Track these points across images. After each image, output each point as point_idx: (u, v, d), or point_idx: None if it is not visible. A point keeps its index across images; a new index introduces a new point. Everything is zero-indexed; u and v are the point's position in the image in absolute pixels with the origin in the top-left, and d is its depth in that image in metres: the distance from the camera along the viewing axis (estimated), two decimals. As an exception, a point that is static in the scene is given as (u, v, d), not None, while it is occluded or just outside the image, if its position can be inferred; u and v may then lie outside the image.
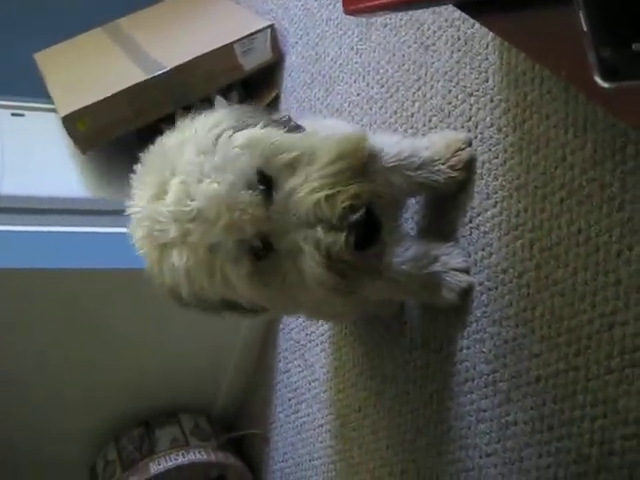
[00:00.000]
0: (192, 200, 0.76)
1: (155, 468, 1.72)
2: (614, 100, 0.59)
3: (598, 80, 0.49)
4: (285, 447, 1.74)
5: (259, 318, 1.10)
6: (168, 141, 0.84)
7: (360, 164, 0.79)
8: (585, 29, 0.50)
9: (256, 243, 0.77)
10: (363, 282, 0.81)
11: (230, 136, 0.80)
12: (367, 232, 0.75)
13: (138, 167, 0.85)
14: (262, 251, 0.78)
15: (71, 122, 1.65)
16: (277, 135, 0.81)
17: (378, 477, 1.34)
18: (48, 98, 1.79)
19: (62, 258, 1.48)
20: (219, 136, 0.80)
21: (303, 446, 1.64)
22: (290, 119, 0.90)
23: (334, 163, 0.77)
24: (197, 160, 0.78)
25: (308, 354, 1.61)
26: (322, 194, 0.74)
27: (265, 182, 0.77)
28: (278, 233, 0.77)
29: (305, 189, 0.76)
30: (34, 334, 1.56)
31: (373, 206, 0.75)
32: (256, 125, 0.82)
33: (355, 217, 0.74)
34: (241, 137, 0.80)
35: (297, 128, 0.89)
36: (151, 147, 0.85)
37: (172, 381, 1.85)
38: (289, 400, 1.72)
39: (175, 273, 0.79)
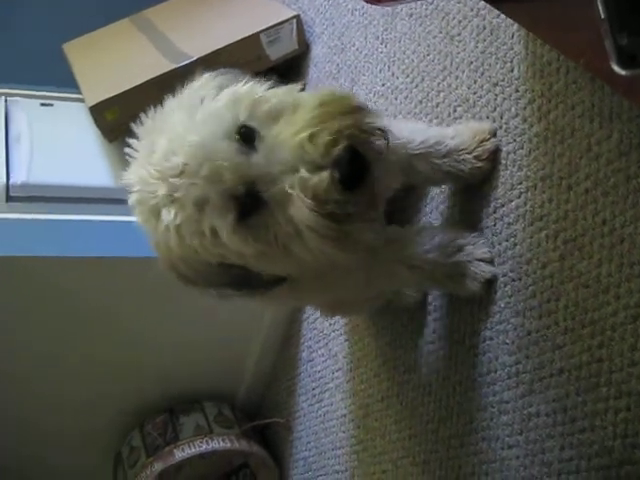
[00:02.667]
0: (176, 155, 0.76)
1: (179, 454, 1.74)
2: (632, 87, 0.59)
3: (615, 67, 0.48)
4: (308, 436, 1.75)
5: (267, 302, 1.06)
6: (160, 109, 0.85)
7: (344, 109, 0.76)
8: (603, 16, 0.49)
9: (239, 191, 0.76)
10: (358, 225, 0.78)
11: (215, 95, 0.81)
12: (353, 168, 0.73)
13: (133, 140, 0.86)
14: (250, 204, 0.77)
15: (98, 112, 1.67)
16: (261, 90, 0.82)
17: (400, 467, 1.34)
18: (76, 88, 1.80)
19: (92, 246, 1.50)
20: (205, 96, 0.81)
21: (326, 435, 1.65)
22: (277, 82, 0.89)
23: (317, 108, 0.76)
24: (182, 118, 0.79)
25: (332, 344, 1.61)
26: (305, 134, 0.73)
27: (250, 134, 0.77)
28: (264, 182, 0.76)
29: (288, 132, 0.75)
30: (67, 321, 1.58)
31: (358, 142, 0.74)
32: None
33: (337, 151, 0.72)
34: (225, 94, 0.81)
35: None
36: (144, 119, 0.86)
37: (196, 369, 1.86)
38: (312, 389, 1.72)
39: (167, 235, 0.79)
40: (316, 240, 0.76)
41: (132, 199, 0.83)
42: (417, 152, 1.06)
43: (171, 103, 0.84)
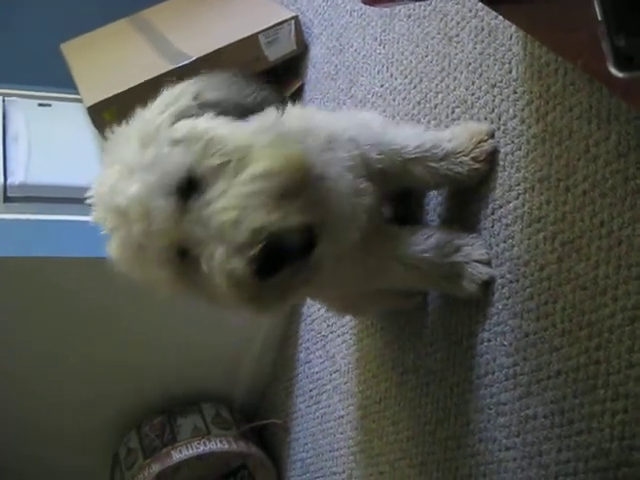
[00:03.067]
0: (119, 196, 0.76)
1: (177, 456, 1.74)
2: (630, 89, 0.59)
3: (612, 69, 0.48)
4: (306, 437, 1.75)
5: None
6: (132, 120, 0.84)
7: (293, 183, 0.74)
8: (600, 18, 0.49)
9: (170, 251, 0.76)
10: (275, 303, 0.78)
11: (171, 126, 0.79)
12: (270, 262, 0.71)
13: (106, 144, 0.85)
14: (184, 255, 0.76)
15: (96, 112, 1.66)
16: (219, 129, 0.78)
17: (398, 468, 1.34)
18: (74, 88, 1.80)
19: (90, 247, 1.49)
20: (160, 126, 0.79)
21: (324, 437, 1.65)
22: (269, 92, 0.87)
23: (258, 179, 0.73)
24: (134, 151, 0.78)
25: (330, 345, 1.61)
26: (232, 215, 0.71)
27: (194, 186, 0.75)
28: (192, 243, 0.75)
29: (219, 204, 0.73)
30: (65, 322, 1.58)
31: (280, 237, 0.71)
32: (216, 102, 0.81)
33: (253, 251, 0.70)
34: (180, 129, 0.78)
35: (276, 102, 0.85)
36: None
37: (194, 370, 1.86)
38: (310, 391, 1.72)
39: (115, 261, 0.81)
40: (237, 305, 0.77)
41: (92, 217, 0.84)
42: (413, 157, 1.05)
43: (135, 124, 0.83)
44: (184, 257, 0.76)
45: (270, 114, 0.83)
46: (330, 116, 1.07)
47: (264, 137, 0.78)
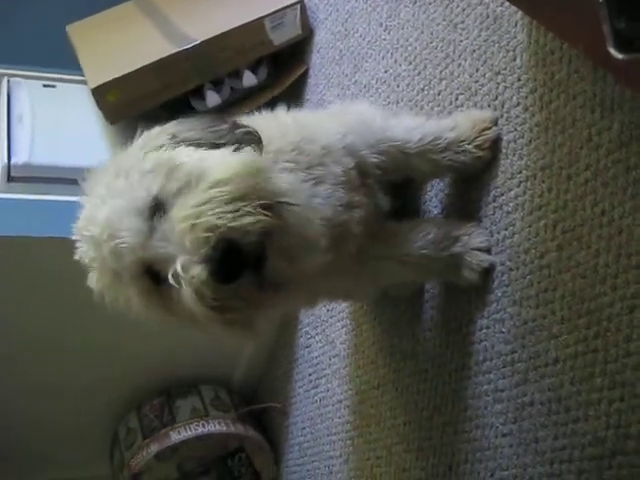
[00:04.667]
0: (92, 225, 0.79)
1: (175, 437, 1.75)
2: (630, 73, 0.59)
3: (612, 51, 0.48)
4: (304, 421, 1.75)
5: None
6: (113, 159, 0.88)
7: (246, 188, 0.75)
8: (601, 1, 0.49)
9: (139, 270, 0.78)
10: (246, 312, 0.78)
11: (142, 158, 0.82)
12: (227, 263, 0.72)
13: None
14: (155, 277, 0.78)
15: (100, 94, 1.67)
16: (182, 156, 0.81)
17: (395, 453, 1.35)
18: (79, 70, 1.80)
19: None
20: (135, 160, 0.82)
21: (322, 421, 1.66)
22: (235, 126, 0.88)
23: (213, 187, 0.75)
24: (107, 182, 0.81)
25: (329, 330, 1.62)
26: (187, 224, 0.73)
27: (160, 208, 0.77)
28: (159, 263, 0.76)
29: (178, 215, 0.74)
30: (67, 303, 1.58)
31: (236, 235, 0.72)
32: (191, 141, 0.84)
33: (205, 250, 0.71)
34: (149, 160, 0.81)
35: (244, 136, 0.86)
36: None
37: (193, 353, 1.86)
38: (309, 375, 1.73)
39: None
40: (207, 323, 0.77)
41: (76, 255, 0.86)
42: (415, 151, 1.06)
43: (112, 162, 0.85)
44: (158, 284, 0.78)
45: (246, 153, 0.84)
46: (325, 120, 1.05)
47: (223, 156, 0.81)
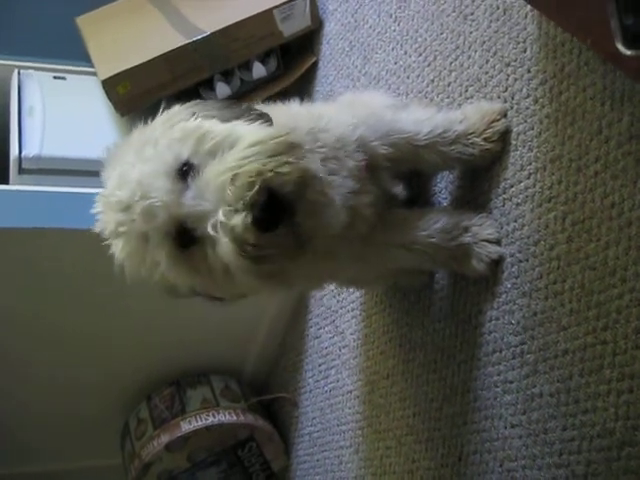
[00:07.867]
0: (120, 191, 0.80)
1: (186, 427, 1.76)
2: (637, 67, 0.58)
3: (620, 47, 0.48)
4: (314, 412, 1.76)
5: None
6: (127, 138, 0.88)
7: (276, 149, 0.76)
8: (609, -3, 0.49)
9: (171, 229, 0.79)
10: (283, 264, 0.80)
11: (169, 129, 0.83)
12: (268, 211, 0.73)
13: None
14: (186, 238, 0.79)
15: (111, 85, 1.67)
16: (209, 125, 0.83)
17: (404, 444, 1.35)
18: (89, 61, 1.81)
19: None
20: (160, 134, 0.83)
21: (332, 411, 1.66)
22: (249, 108, 0.90)
23: (250, 147, 0.76)
24: (133, 154, 0.82)
25: (339, 320, 1.62)
26: (227, 176, 0.74)
27: (191, 171, 0.79)
28: (193, 220, 0.78)
29: (215, 171, 0.76)
30: (78, 294, 1.59)
31: (276, 183, 0.74)
32: (209, 117, 0.85)
33: (249, 196, 0.72)
34: (177, 129, 0.83)
35: (259, 117, 0.88)
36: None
37: (204, 343, 1.88)
38: (319, 366, 1.74)
39: (117, 263, 0.85)
40: (242, 277, 0.78)
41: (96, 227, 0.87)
42: (424, 143, 1.06)
43: (135, 135, 0.87)
44: (188, 245, 0.80)
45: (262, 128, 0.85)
46: (337, 111, 1.06)
47: (249, 126, 0.83)
